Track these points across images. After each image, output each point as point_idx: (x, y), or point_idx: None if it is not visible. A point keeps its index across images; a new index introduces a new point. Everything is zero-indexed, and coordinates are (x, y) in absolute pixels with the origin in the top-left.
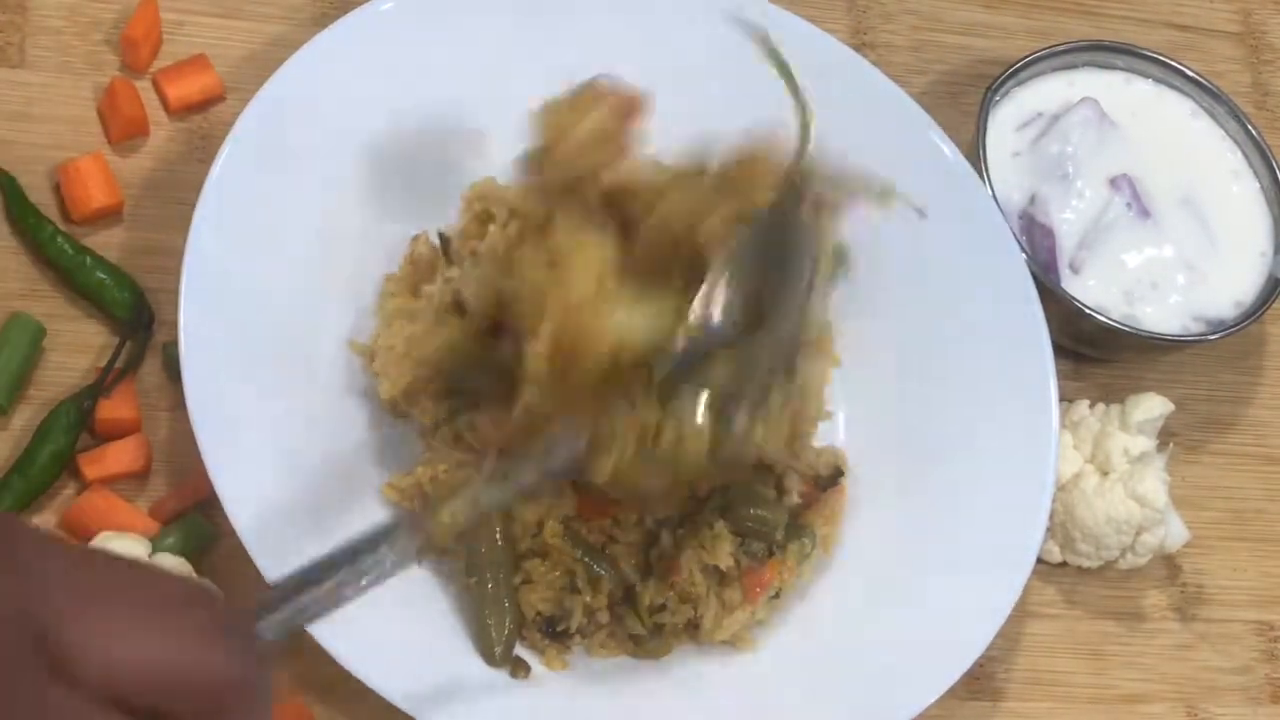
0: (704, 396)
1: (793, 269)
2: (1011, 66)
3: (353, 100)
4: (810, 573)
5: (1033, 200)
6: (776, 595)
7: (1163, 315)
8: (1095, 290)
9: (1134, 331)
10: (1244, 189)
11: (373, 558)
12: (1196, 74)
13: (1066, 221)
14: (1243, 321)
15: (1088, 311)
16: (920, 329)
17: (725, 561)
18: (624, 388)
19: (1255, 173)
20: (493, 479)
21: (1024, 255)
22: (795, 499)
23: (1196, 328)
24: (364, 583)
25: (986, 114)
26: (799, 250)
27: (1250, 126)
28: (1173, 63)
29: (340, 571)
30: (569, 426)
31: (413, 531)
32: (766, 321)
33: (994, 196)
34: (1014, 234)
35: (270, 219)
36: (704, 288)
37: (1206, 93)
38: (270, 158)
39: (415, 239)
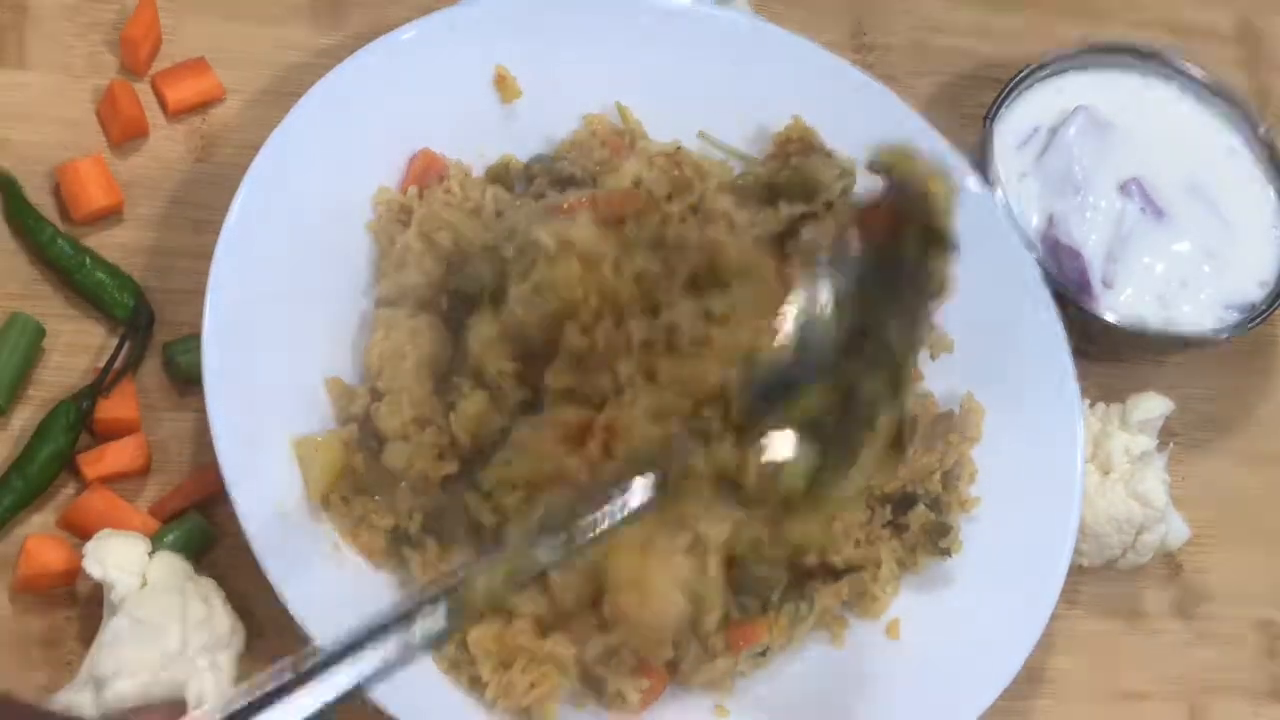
0: (788, 432)
1: (902, 303)
2: (1005, 86)
3: (373, 129)
4: (802, 638)
5: (1051, 221)
6: (764, 653)
7: (1198, 312)
8: (1131, 302)
9: (1176, 337)
10: (1242, 165)
11: (404, 635)
12: (1175, 58)
13: (1090, 239)
14: (1267, 308)
15: (1132, 329)
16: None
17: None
18: (699, 421)
19: (1250, 147)
20: (538, 537)
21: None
22: (811, 559)
23: (1231, 317)
24: (391, 662)
25: (991, 143)
26: (909, 284)
27: (1236, 99)
28: (1152, 50)
29: (367, 650)
30: (631, 472)
31: (446, 604)
32: (867, 352)
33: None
34: (1041, 258)
35: (291, 247)
36: (788, 309)
37: (1187, 75)
38: (288, 188)
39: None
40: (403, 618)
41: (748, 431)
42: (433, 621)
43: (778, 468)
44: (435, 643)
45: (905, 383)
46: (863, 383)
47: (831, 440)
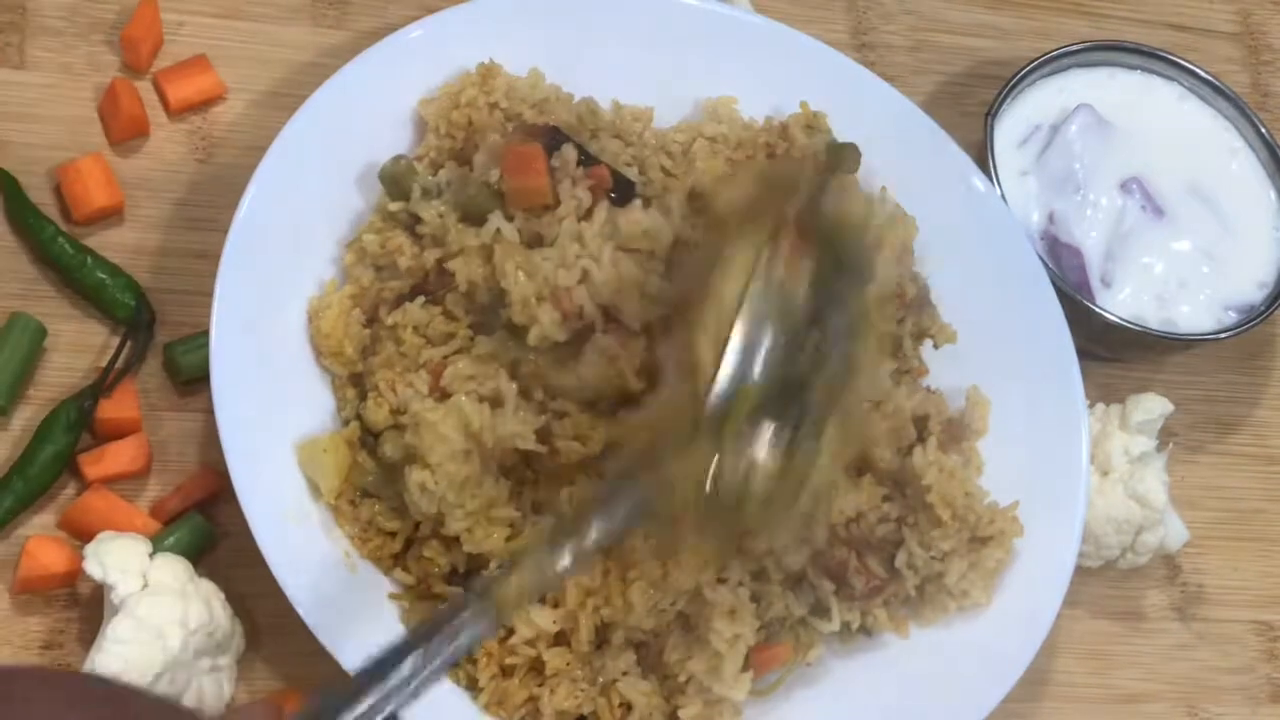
0: (766, 426)
1: (837, 293)
2: (1006, 84)
3: (380, 127)
4: (817, 655)
5: (1051, 219)
6: (779, 679)
7: (1197, 312)
8: (1129, 301)
9: (1176, 337)
10: (1243, 165)
11: (447, 641)
12: (1177, 57)
13: (1090, 237)
14: (1266, 309)
15: (1131, 326)
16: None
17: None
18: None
19: (1252, 147)
20: (555, 542)
21: (1054, 288)
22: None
23: (1229, 318)
24: (438, 665)
25: (992, 140)
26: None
27: (1238, 100)
28: (1154, 50)
29: (412, 658)
30: (621, 476)
31: (483, 608)
32: (811, 347)
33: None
34: (1040, 256)
35: (298, 249)
36: (738, 325)
37: (1190, 74)
38: (298, 187)
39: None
40: (442, 626)
41: (720, 435)
42: (469, 631)
43: (750, 468)
44: (472, 648)
45: (859, 370)
46: (813, 378)
47: (797, 432)
